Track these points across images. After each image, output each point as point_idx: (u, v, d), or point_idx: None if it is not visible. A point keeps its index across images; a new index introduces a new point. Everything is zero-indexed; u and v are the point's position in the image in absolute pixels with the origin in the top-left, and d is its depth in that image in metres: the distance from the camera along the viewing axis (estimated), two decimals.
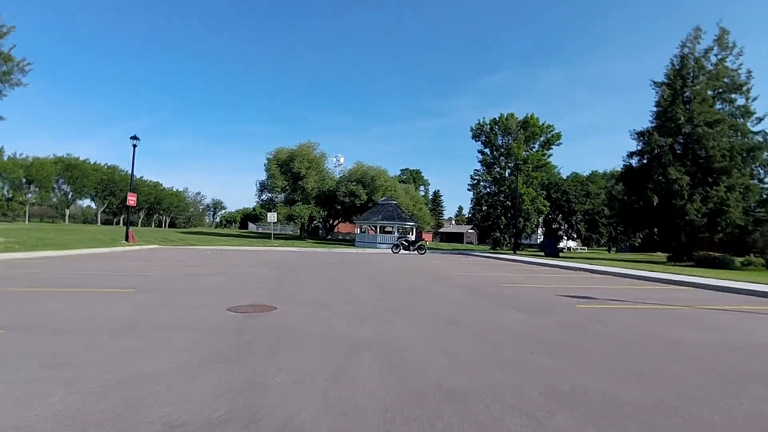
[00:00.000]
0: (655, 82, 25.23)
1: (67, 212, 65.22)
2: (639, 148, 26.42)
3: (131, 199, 24.38)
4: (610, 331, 5.31)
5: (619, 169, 53.50)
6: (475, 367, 3.61)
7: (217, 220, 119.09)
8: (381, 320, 5.44)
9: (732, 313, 7.17)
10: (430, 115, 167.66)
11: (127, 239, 23.23)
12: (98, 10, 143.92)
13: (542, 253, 32.44)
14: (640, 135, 26.40)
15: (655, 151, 24.29)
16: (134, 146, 23.78)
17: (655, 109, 26.07)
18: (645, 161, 25.88)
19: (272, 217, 29.53)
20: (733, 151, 22.01)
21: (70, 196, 63.83)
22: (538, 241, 60.23)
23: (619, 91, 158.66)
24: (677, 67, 24.54)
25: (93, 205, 73.47)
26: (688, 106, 23.59)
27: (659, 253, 46.60)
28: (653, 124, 25.80)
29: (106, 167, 68.18)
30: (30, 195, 56.86)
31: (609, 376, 3.46)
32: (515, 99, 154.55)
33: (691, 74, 24.22)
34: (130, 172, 71.31)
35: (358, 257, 21.06)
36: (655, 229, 27.27)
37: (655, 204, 22.92)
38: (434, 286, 9.50)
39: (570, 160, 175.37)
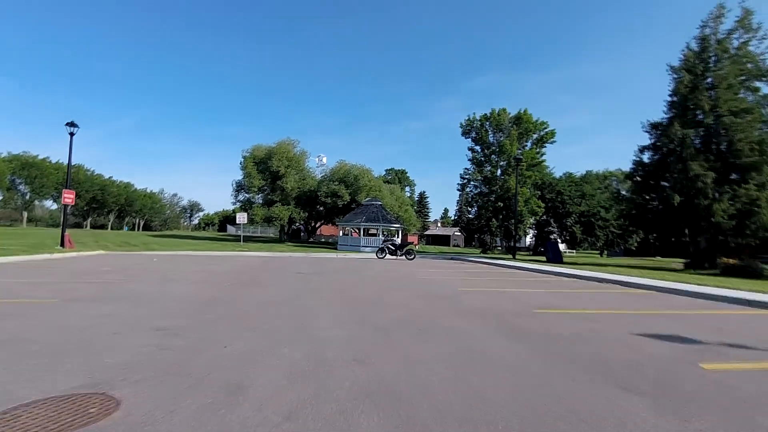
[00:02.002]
0: (672, 67, 22.62)
1: (25, 215, 59.98)
2: (652, 141, 23.79)
3: (67, 197, 20.65)
4: None
5: (618, 170, 51.90)
6: None
7: (195, 222, 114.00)
8: None
9: None
10: (416, 117, 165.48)
11: (62, 245, 19.48)
12: (77, 6, 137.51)
13: (542, 258, 29.71)
14: (654, 127, 23.78)
15: (673, 145, 21.67)
16: (71, 134, 20.08)
17: (669, 98, 23.44)
18: (660, 156, 23.25)
19: (242, 218, 25.96)
20: (763, 145, 19.49)
21: (28, 197, 58.73)
22: (527, 245, 57.79)
23: (600, 95, 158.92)
24: (697, 49, 22.00)
25: (55, 206, 68.20)
26: (710, 93, 21.04)
27: (659, 258, 44.47)
28: (668, 115, 23.20)
29: None
30: None
31: None
32: (500, 102, 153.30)
33: (713, 57, 21.70)
34: (97, 172, 66.40)
35: (338, 264, 17.78)
36: (670, 233, 24.62)
37: (676, 204, 20.23)
38: (449, 319, 6.29)
39: (554, 163, 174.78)
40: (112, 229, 75.68)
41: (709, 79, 21.62)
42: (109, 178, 73.13)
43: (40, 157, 57.80)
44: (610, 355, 4.34)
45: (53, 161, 59.81)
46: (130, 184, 79.70)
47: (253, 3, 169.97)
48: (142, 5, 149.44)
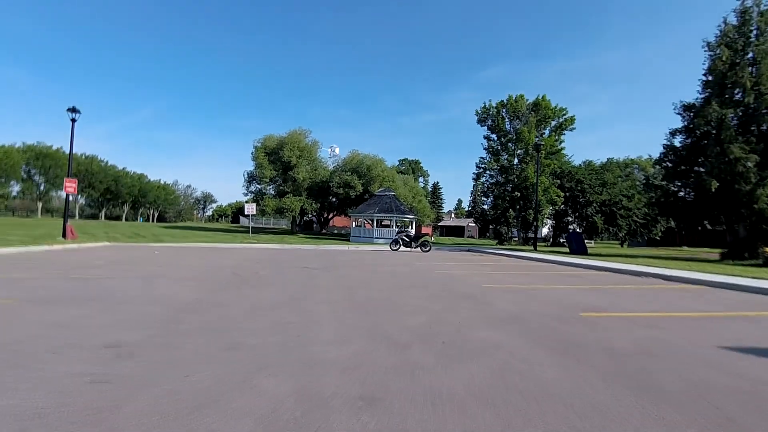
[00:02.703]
0: (708, 43, 20.75)
1: (40, 205, 60.43)
2: (685, 124, 22.06)
3: (69, 186, 19.99)
4: None
5: (640, 157, 49.45)
6: None
7: (208, 214, 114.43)
8: None
9: None
10: (429, 109, 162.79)
11: (64, 236, 18.86)
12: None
13: (563, 250, 28.27)
14: (687, 108, 22.03)
15: (709, 127, 19.98)
16: (73, 120, 19.36)
17: (703, 78, 21.66)
18: (694, 139, 21.56)
19: (250, 209, 25.10)
20: None
21: (42, 188, 59.05)
22: (543, 235, 55.89)
23: (617, 83, 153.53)
24: (736, 23, 20.11)
25: (70, 197, 68.80)
26: (752, 69, 19.24)
27: (686, 248, 42.47)
28: (703, 95, 21.43)
29: (83, 157, 63.28)
30: None
31: None
32: (514, 92, 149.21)
33: (755, 31, 19.82)
34: (109, 162, 66.67)
35: (349, 257, 16.76)
36: (704, 221, 22.93)
37: (713, 190, 18.61)
38: (479, 327, 5.17)
39: (570, 151, 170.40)
40: (126, 220, 76.12)
41: (750, 55, 19.80)
42: (123, 169, 73.41)
43: (54, 147, 57.96)
44: (704, 381, 3.17)
45: (67, 151, 60.11)
46: (143, 176, 79.94)
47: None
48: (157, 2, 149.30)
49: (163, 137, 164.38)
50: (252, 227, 70.35)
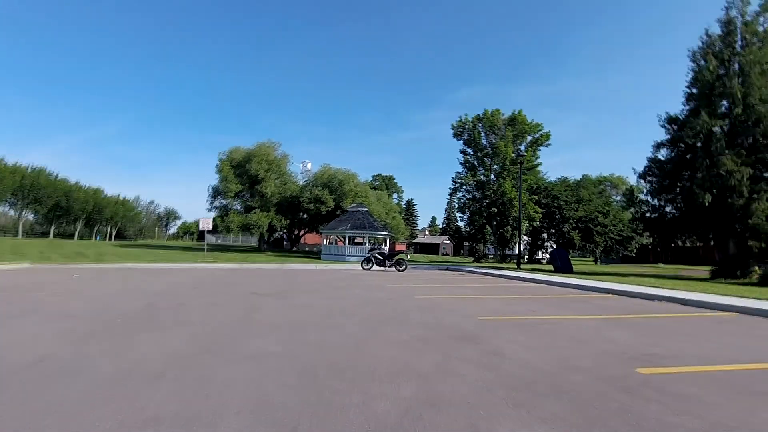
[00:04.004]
0: (694, 53, 20.10)
1: None
2: (671, 135, 21.20)
3: None
4: None
5: (612, 174, 49.65)
6: None
7: (173, 231, 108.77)
8: None
9: None
10: (404, 128, 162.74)
11: None
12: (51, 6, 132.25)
13: (545, 268, 26.86)
14: (672, 121, 21.20)
15: (695, 139, 19.09)
16: None
17: (687, 90, 20.99)
18: (680, 152, 20.66)
19: (205, 224, 22.29)
20: None
21: None
22: (515, 252, 54.70)
23: (583, 109, 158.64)
24: (722, 32, 19.53)
25: (12, 213, 62.80)
26: (740, 80, 18.53)
27: (662, 265, 42.07)
28: (688, 107, 20.69)
29: (30, 170, 58.26)
30: None
31: None
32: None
33: (740, 42, 19.25)
34: (61, 176, 61.77)
35: (313, 278, 14.44)
36: (687, 238, 21.95)
37: (706, 204, 17.52)
38: (500, 411, 3.10)
39: (541, 169, 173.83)
40: (81, 238, 70.56)
41: (736, 66, 19.16)
42: (76, 183, 68.13)
43: None
44: None
45: (10, 163, 54.94)
46: (99, 190, 74.57)
47: (239, 8, 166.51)
48: (126, 8, 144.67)
49: (129, 152, 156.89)
50: (218, 245, 66.49)
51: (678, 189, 20.65)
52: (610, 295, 11.08)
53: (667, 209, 21.38)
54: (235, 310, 7.04)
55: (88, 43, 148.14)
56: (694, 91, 20.51)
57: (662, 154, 21.85)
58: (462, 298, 9.82)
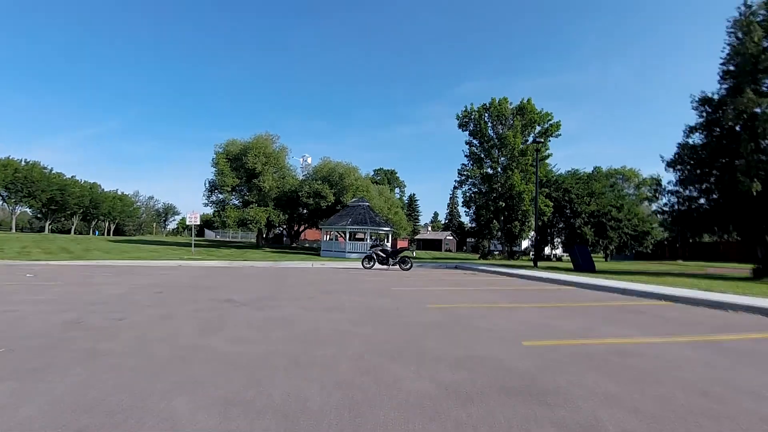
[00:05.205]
0: (734, 22, 17.94)
1: None
2: (704, 119, 19.11)
3: None
4: None
5: (624, 167, 47.23)
6: None
7: (172, 227, 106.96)
8: None
9: None
10: (405, 122, 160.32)
11: None
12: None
13: (560, 265, 24.93)
14: (706, 102, 19.09)
15: (735, 121, 17.00)
16: None
17: (722, 67, 18.83)
18: (714, 137, 18.59)
19: (192, 218, 20.43)
20: None
21: None
22: (522, 248, 52.43)
23: (587, 101, 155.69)
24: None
25: (6, 208, 61.21)
26: None
27: (680, 262, 39.92)
28: (725, 85, 18.56)
29: (23, 164, 56.58)
30: None
31: None
32: None
33: None
34: (56, 171, 60.17)
35: (306, 279, 12.53)
36: (731, 231, 19.83)
37: (755, 192, 15.46)
38: None
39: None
40: (79, 233, 69.01)
41: None
42: (72, 177, 66.48)
43: None
44: None
45: (2, 156, 53.29)
46: (96, 185, 72.91)
47: (238, 3, 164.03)
48: (124, 6, 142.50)
49: (130, 149, 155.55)
50: (217, 241, 64.57)
51: (714, 178, 18.62)
52: (664, 302, 9.11)
53: (701, 201, 19.34)
54: (186, 331, 5.12)
55: (88, 42, 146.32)
56: (731, 68, 18.38)
57: (696, 138, 19.77)
58: (487, 307, 7.88)
